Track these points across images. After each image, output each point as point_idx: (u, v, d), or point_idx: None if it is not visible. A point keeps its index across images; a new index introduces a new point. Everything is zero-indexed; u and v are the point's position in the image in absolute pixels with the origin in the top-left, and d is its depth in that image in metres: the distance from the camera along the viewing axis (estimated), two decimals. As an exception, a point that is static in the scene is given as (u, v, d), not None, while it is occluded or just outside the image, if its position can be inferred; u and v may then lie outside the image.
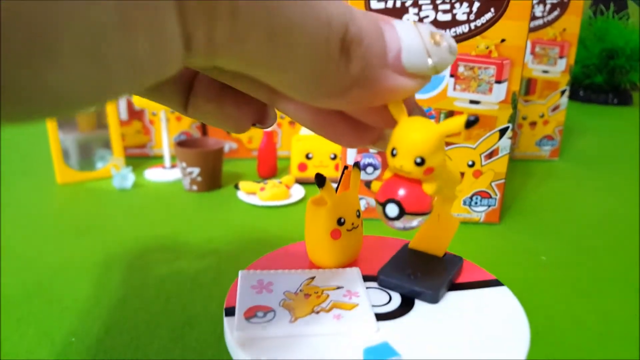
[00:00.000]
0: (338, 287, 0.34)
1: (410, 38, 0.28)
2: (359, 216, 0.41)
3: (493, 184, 0.70)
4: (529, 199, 0.82)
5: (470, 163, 0.69)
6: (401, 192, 0.32)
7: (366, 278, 0.39)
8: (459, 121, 0.33)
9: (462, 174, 0.70)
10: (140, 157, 0.95)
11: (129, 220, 0.71)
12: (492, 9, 0.63)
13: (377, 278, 0.37)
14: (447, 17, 0.63)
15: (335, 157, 0.84)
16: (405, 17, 0.64)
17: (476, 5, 0.63)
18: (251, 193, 0.79)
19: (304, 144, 0.84)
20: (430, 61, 0.28)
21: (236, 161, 0.96)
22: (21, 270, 0.57)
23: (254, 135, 0.97)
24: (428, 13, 0.63)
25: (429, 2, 0.63)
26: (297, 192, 0.81)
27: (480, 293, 0.37)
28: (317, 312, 0.32)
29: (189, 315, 0.49)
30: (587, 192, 0.85)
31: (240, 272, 0.39)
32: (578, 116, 1.45)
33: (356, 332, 0.30)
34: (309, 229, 0.41)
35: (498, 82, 0.66)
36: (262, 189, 0.78)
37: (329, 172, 0.84)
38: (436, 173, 0.34)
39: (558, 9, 0.94)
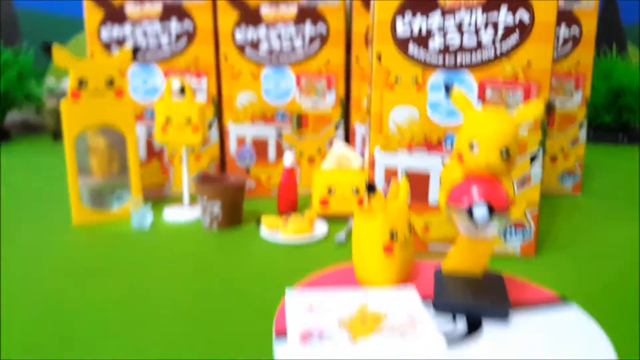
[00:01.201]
0: (396, 310, 0.32)
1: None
2: (410, 230, 0.39)
3: (527, 214, 0.68)
4: (562, 232, 0.80)
5: (502, 191, 0.67)
6: (487, 191, 0.30)
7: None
8: (537, 108, 0.32)
9: (494, 203, 0.68)
10: (158, 198, 0.94)
11: (146, 262, 0.68)
12: (517, 33, 0.63)
13: (434, 303, 0.35)
14: (473, 41, 0.63)
15: (357, 192, 0.82)
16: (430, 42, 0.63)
17: (501, 29, 0.63)
18: (274, 228, 0.77)
19: (325, 178, 0.82)
20: None
21: (255, 200, 0.94)
22: (32, 305, 0.55)
23: (273, 174, 0.95)
24: (454, 37, 0.63)
25: (454, 27, 0.63)
26: (320, 227, 0.78)
27: (550, 315, 0.35)
28: (378, 334, 0.30)
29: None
30: (617, 226, 0.83)
31: (287, 291, 0.37)
32: (591, 156, 1.44)
33: (425, 351, 0.28)
34: (357, 245, 0.39)
35: (528, 107, 0.65)
36: (285, 223, 0.76)
37: (352, 206, 0.82)
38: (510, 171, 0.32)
39: (571, 43, 0.95)
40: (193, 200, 0.89)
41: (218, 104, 0.93)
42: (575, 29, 0.95)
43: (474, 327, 0.32)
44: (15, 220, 0.82)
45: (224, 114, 0.93)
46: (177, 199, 0.92)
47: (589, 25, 0.95)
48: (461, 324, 0.32)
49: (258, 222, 0.79)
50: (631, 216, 0.87)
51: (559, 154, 1.00)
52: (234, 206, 0.79)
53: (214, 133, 0.94)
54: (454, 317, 0.33)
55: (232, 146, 0.94)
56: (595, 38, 1.81)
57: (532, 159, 0.67)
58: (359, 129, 0.96)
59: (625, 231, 0.80)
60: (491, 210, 0.30)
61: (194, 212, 0.84)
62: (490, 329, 0.31)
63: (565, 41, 0.96)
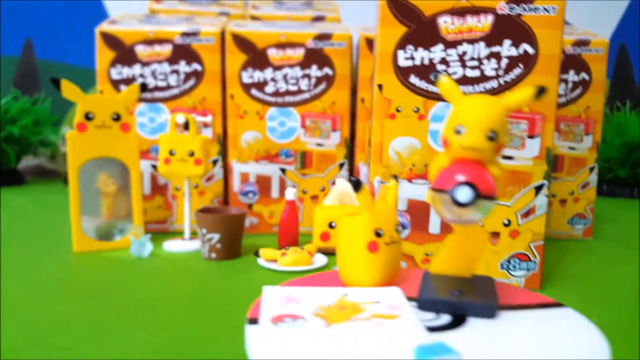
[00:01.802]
0: (376, 302, 0.30)
1: None
2: (398, 231, 0.38)
3: (532, 245, 0.66)
4: (568, 271, 0.77)
5: (506, 222, 0.66)
6: (472, 174, 0.29)
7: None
8: (526, 93, 0.31)
9: (498, 234, 0.66)
10: (160, 233, 0.93)
11: (144, 285, 0.67)
12: (521, 65, 0.63)
13: (418, 299, 0.33)
14: (476, 73, 0.64)
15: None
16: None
17: (505, 61, 0.63)
18: (272, 260, 0.75)
19: (327, 213, 0.81)
20: None
21: (257, 236, 0.93)
22: (27, 325, 0.53)
23: (275, 211, 0.95)
24: (456, 69, 0.64)
25: (457, 59, 0.64)
26: (320, 260, 0.77)
27: (540, 312, 0.33)
28: (355, 321, 0.28)
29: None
30: (626, 268, 0.80)
31: (264, 287, 0.35)
32: (605, 207, 1.41)
33: (402, 337, 0.26)
34: (342, 243, 0.38)
35: (531, 137, 0.64)
36: (283, 254, 0.74)
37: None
38: (497, 157, 0.31)
39: (580, 88, 0.95)
40: (195, 235, 0.89)
41: (223, 142, 0.94)
42: (584, 74, 0.96)
43: (458, 322, 0.30)
44: (19, 249, 0.82)
45: (229, 152, 0.94)
46: (179, 234, 0.91)
47: (599, 71, 0.95)
48: (445, 318, 0.30)
49: (256, 254, 0.77)
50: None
51: (568, 198, 0.98)
52: (232, 238, 0.78)
53: (218, 171, 0.94)
54: (438, 314, 0.31)
55: (235, 183, 0.94)
56: (609, 94, 1.81)
57: (537, 189, 0.65)
58: (363, 169, 0.95)
59: (635, 274, 0.77)
60: (476, 193, 0.28)
61: (194, 245, 0.83)
62: (474, 323, 0.29)
63: (575, 86, 0.96)
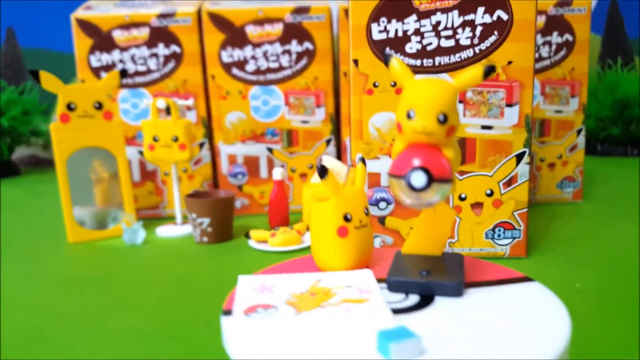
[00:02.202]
0: (348, 286, 0.31)
1: None
2: (367, 214, 0.38)
3: (515, 213, 0.66)
4: (556, 235, 0.78)
5: (488, 192, 0.66)
6: (425, 158, 0.29)
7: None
8: (475, 72, 0.31)
9: (481, 205, 0.66)
10: (152, 218, 0.94)
11: (137, 271, 0.68)
12: (496, 32, 0.62)
13: (387, 281, 0.33)
14: (451, 42, 0.63)
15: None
16: (408, 45, 0.63)
17: (479, 29, 0.63)
18: (262, 241, 0.76)
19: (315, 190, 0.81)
20: None
21: (248, 217, 0.93)
22: (23, 317, 0.54)
23: (266, 191, 0.95)
24: (431, 40, 0.63)
25: (430, 29, 0.63)
26: (310, 239, 0.77)
27: (508, 288, 0.33)
28: (324, 307, 0.28)
29: None
30: (617, 230, 0.80)
31: (239, 277, 0.36)
32: (598, 168, 1.41)
33: (367, 322, 0.27)
34: (313, 229, 0.38)
35: (509, 105, 0.64)
36: (273, 235, 0.75)
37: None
38: (452, 139, 0.31)
39: (564, 49, 0.94)
40: (186, 219, 0.89)
41: (208, 124, 0.94)
42: (567, 35, 0.94)
43: (425, 302, 0.31)
44: (16, 241, 0.83)
45: (215, 134, 0.93)
46: (172, 219, 0.91)
47: (583, 31, 0.94)
48: (414, 298, 0.31)
49: (247, 235, 0.78)
50: (633, 221, 0.84)
51: (557, 162, 0.98)
52: (223, 220, 0.78)
53: (206, 154, 0.94)
54: (407, 295, 0.31)
55: (223, 165, 0.94)
56: (601, 52, 1.79)
57: (519, 157, 0.65)
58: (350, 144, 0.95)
59: (625, 235, 0.77)
60: (430, 177, 0.29)
61: (186, 229, 0.84)
62: (441, 302, 0.30)
63: (559, 47, 0.95)
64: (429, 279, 0.32)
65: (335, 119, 0.96)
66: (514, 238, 0.67)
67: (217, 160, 0.95)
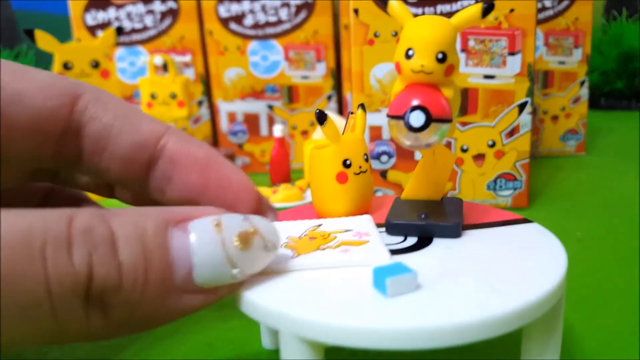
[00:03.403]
0: (347, 230, 0.31)
1: (208, 250, 0.22)
2: (367, 160, 0.38)
3: (517, 164, 0.66)
4: (559, 187, 0.77)
5: (490, 143, 0.65)
6: (424, 98, 0.29)
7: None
8: (474, 10, 0.30)
9: (483, 156, 0.66)
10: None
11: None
12: (498, -22, 0.61)
13: (386, 224, 0.33)
14: (452, -10, 0.61)
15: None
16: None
17: (481, -25, 0.61)
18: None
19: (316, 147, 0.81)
20: (235, 271, 0.23)
21: (251, 175, 0.93)
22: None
23: (267, 149, 0.95)
24: (432, -12, 0.61)
25: (431, -24, 0.61)
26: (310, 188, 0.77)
27: (506, 229, 0.33)
28: (323, 250, 0.28)
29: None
30: (620, 180, 0.80)
31: None
32: (602, 122, 1.40)
33: (365, 262, 0.27)
34: (312, 176, 0.38)
35: (511, 54, 0.63)
36: (274, 191, 0.75)
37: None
38: (451, 78, 0.30)
39: (568, -2, 0.92)
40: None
41: (206, 81, 0.93)
42: (571, -15, 0.92)
43: (423, 243, 0.31)
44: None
45: (214, 92, 0.92)
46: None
47: (586, -20, 0.92)
48: (412, 240, 0.31)
49: (248, 193, 0.78)
50: (635, 172, 0.84)
51: (560, 114, 0.97)
52: (223, 179, 0.78)
53: (205, 112, 0.94)
54: (405, 238, 0.31)
55: (223, 123, 0.93)
56: (605, 3, 1.75)
57: (521, 107, 0.64)
58: (352, 100, 0.94)
59: (627, 186, 0.77)
60: (429, 116, 0.28)
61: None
62: (438, 242, 0.30)
63: (562, -3, 0.93)
64: (427, 221, 0.32)
65: (337, 74, 0.94)
66: (516, 189, 0.67)
67: (216, 118, 0.94)
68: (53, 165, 0.29)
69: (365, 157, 0.36)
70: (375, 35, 0.64)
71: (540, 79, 0.96)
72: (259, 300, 0.24)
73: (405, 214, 0.32)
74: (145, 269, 0.20)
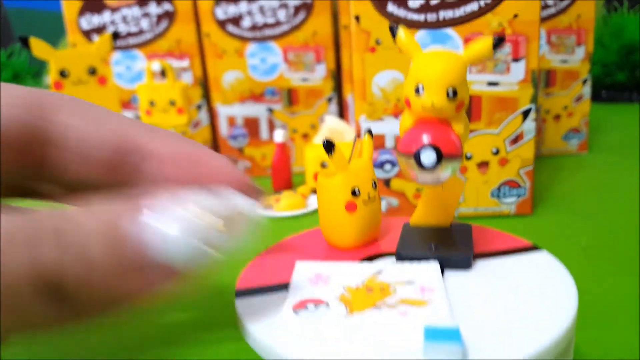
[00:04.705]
0: (409, 282, 0.29)
1: (179, 230, 0.21)
2: (375, 187, 0.37)
3: (521, 171, 0.65)
4: (561, 189, 0.77)
5: (494, 150, 0.65)
6: (435, 135, 0.28)
7: (383, 255, 0.35)
8: (484, 44, 0.30)
9: (487, 163, 0.65)
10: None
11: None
12: (502, -16, 0.60)
13: (397, 256, 0.33)
14: (455, -4, 0.60)
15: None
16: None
17: (484, -19, 0.60)
18: (267, 205, 0.76)
19: (318, 151, 0.80)
20: (208, 249, 0.22)
21: (252, 180, 0.92)
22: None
23: (267, 153, 0.94)
24: (434, -6, 0.60)
25: (434, -18, 0.60)
26: (315, 201, 0.77)
27: (515, 259, 0.33)
28: (379, 308, 0.27)
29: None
30: (624, 180, 0.79)
31: (297, 263, 0.34)
32: (604, 115, 1.39)
33: (420, 331, 0.25)
34: (321, 205, 0.37)
35: (515, 60, 0.62)
36: (277, 199, 0.74)
37: (346, 179, 0.80)
38: (462, 113, 0.30)
39: (570, -4, 0.91)
40: (186, 184, 0.88)
41: (205, 85, 0.92)
42: (573, -19, 0.91)
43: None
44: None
45: (212, 95, 0.91)
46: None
47: (588, -24, 0.90)
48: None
49: (249, 201, 0.77)
50: (637, 169, 0.83)
51: (562, 113, 0.96)
52: (224, 186, 0.78)
53: (204, 116, 0.93)
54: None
55: (223, 127, 0.92)
56: (604, -6, 1.73)
57: (525, 114, 0.63)
58: (352, 102, 0.93)
59: (631, 184, 0.76)
60: (440, 154, 0.27)
61: (187, 196, 0.83)
62: (449, 275, 0.30)
63: (564, -5, 0.91)
64: (438, 253, 0.31)
65: (337, 75, 0.93)
66: (520, 196, 0.66)
67: (215, 122, 0.93)
68: (15, 176, 0.28)
69: (373, 184, 0.36)
70: (377, 43, 0.63)
71: (543, 78, 0.95)
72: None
73: (415, 244, 0.31)
74: (113, 256, 0.20)
